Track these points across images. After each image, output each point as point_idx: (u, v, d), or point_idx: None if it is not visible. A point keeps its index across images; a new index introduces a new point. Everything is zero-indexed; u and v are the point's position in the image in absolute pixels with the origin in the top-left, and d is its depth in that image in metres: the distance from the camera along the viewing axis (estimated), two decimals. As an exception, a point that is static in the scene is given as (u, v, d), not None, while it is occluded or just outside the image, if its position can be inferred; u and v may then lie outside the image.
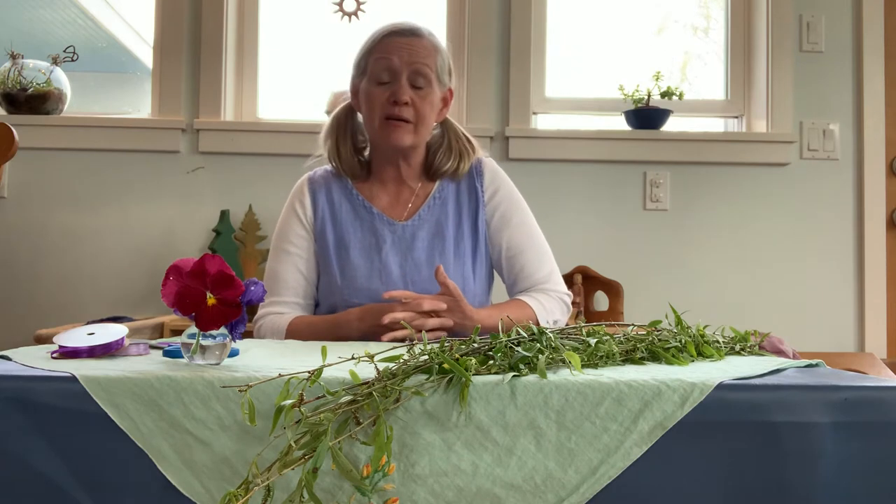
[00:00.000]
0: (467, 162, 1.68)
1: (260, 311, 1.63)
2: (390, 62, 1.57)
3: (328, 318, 1.58)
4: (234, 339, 0.95)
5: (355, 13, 2.69)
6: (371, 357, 0.84)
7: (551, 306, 1.63)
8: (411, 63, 1.58)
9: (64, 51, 2.63)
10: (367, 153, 1.71)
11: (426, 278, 1.58)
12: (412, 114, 1.58)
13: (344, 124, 1.69)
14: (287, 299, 1.62)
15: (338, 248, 1.63)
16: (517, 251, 1.66)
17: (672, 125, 2.64)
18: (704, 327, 1.15)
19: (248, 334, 1.59)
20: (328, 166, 1.71)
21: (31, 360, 0.95)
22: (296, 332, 1.57)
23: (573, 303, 2.47)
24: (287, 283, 1.63)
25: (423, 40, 1.61)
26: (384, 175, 1.68)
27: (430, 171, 1.68)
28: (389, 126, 1.58)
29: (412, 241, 1.62)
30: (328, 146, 1.68)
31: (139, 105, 2.77)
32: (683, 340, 1.07)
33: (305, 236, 1.65)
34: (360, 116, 1.69)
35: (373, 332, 1.47)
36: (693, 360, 1.05)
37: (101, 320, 2.25)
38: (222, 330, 0.93)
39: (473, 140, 1.71)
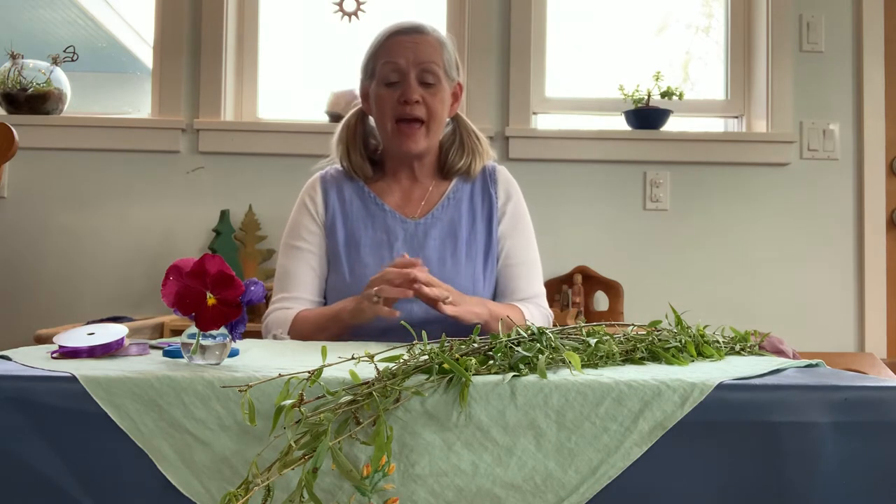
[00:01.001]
0: (479, 160, 1.67)
1: (270, 308, 1.63)
2: (397, 63, 1.57)
3: (330, 308, 1.56)
4: (234, 339, 0.95)
5: (355, 13, 2.69)
6: (371, 357, 0.84)
7: (535, 315, 1.61)
8: (418, 62, 1.57)
9: (64, 51, 2.63)
10: (379, 152, 1.70)
11: (436, 278, 1.57)
12: (424, 112, 1.57)
13: (354, 130, 1.68)
14: (298, 295, 1.61)
15: (348, 245, 1.62)
16: (512, 263, 1.65)
17: (672, 125, 2.64)
18: (704, 327, 1.15)
19: (249, 334, 1.59)
20: (340, 165, 1.71)
21: (31, 360, 0.95)
22: (301, 321, 1.56)
23: (573, 303, 2.48)
24: (298, 280, 1.62)
25: (428, 37, 1.61)
26: (398, 174, 1.68)
27: (443, 170, 1.68)
28: (401, 133, 1.58)
29: (424, 240, 1.61)
30: (339, 151, 1.68)
31: (139, 105, 2.77)
32: (683, 340, 1.07)
33: (317, 232, 1.65)
34: (371, 120, 1.68)
35: (358, 311, 1.44)
36: (693, 360, 1.05)
37: (101, 320, 2.25)
38: (222, 330, 0.93)
39: (485, 139, 1.71)
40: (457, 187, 1.67)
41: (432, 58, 1.59)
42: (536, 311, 1.63)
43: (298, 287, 1.62)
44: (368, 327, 1.55)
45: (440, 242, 1.61)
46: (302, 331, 1.55)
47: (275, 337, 1.58)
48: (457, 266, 1.59)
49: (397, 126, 1.58)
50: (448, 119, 1.70)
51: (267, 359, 1.04)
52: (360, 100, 1.69)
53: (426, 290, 1.38)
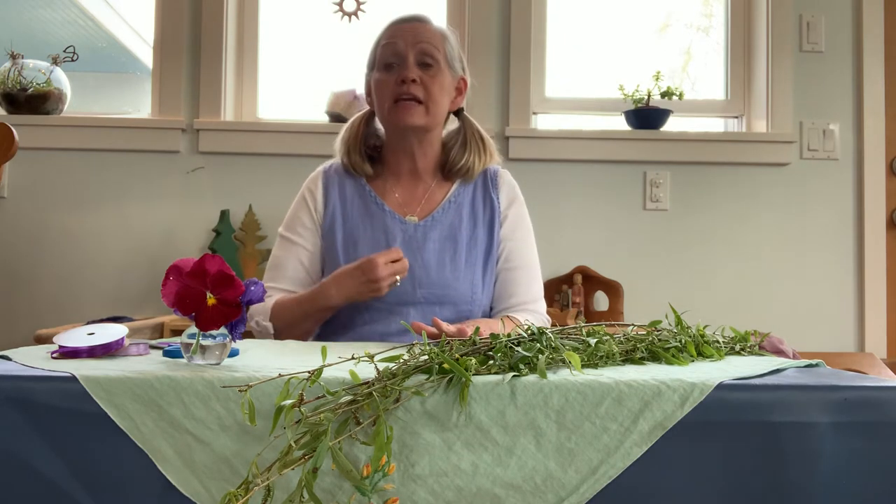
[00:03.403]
0: (480, 161, 1.66)
1: None
2: (396, 46, 1.58)
3: (308, 292, 1.56)
4: (234, 339, 0.95)
5: (355, 13, 2.69)
6: (371, 357, 0.84)
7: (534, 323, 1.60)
8: (417, 43, 1.58)
9: (64, 51, 2.63)
10: (381, 150, 1.69)
11: (434, 281, 1.57)
12: (422, 92, 1.56)
13: (357, 130, 1.68)
14: (284, 286, 1.62)
15: (346, 244, 1.62)
16: (512, 266, 1.64)
17: (672, 125, 2.64)
18: (704, 327, 1.15)
19: (249, 334, 1.59)
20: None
21: (31, 360, 0.95)
22: (280, 310, 1.56)
23: (573, 303, 2.48)
24: (286, 273, 1.63)
25: (429, 25, 1.62)
26: (399, 168, 1.66)
27: (444, 168, 1.67)
28: (399, 106, 1.57)
29: (423, 242, 1.60)
30: (341, 150, 1.68)
31: (139, 105, 2.77)
32: (683, 340, 1.07)
33: (312, 229, 1.65)
34: (376, 122, 1.68)
35: (357, 295, 1.48)
36: (693, 360, 1.05)
37: (101, 320, 2.25)
38: (222, 330, 0.93)
39: (490, 141, 1.70)
40: (458, 191, 1.66)
41: (431, 41, 1.59)
42: (534, 319, 1.62)
43: (286, 280, 1.63)
44: (368, 331, 1.56)
45: (439, 245, 1.60)
46: (282, 315, 1.56)
47: (257, 324, 1.59)
48: (456, 271, 1.58)
49: (395, 103, 1.57)
50: (453, 115, 1.69)
51: (267, 359, 1.04)
52: (363, 99, 1.69)
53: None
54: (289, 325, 1.55)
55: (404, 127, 1.59)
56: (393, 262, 1.48)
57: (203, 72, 2.58)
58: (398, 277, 1.49)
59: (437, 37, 1.61)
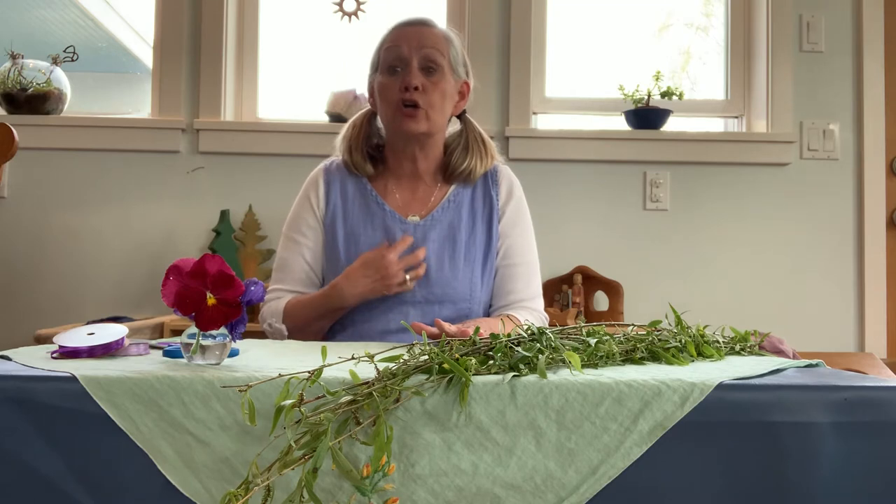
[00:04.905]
0: (481, 164, 1.66)
1: (266, 297, 1.64)
2: (400, 50, 1.58)
3: (320, 292, 1.58)
4: (234, 339, 0.95)
5: (355, 13, 2.69)
6: (371, 357, 0.84)
7: (531, 321, 1.60)
8: (421, 48, 1.57)
9: (64, 51, 2.63)
10: (383, 149, 1.70)
11: (434, 280, 1.57)
12: (424, 99, 1.57)
13: (359, 129, 1.68)
14: (292, 288, 1.63)
15: (347, 242, 1.62)
16: (511, 262, 1.64)
17: (672, 125, 2.64)
18: (704, 327, 1.15)
19: (249, 334, 1.59)
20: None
21: (31, 360, 0.95)
22: (292, 311, 1.58)
23: (573, 303, 2.48)
24: (293, 273, 1.64)
25: (434, 29, 1.62)
26: (400, 170, 1.67)
27: (446, 171, 1.67)
28: (402, 114, 1.57)
29: (423, 242, 1.60)
30: (342, 148, 1.68)
31: (139, 105, 2.77)
32: (683, 340, 1.07)
33: (315, 227, 1.65)
34: (378, 121, 1.68)
35: (371, 293, 1.51)
36: (693, 360, 1.05)
37: (101, 320, 2.25)
38: (222, 330, 0.93)
39: (491, 144, 1.71)
40: (457, 191, 1.66)
41: (436, 46, 1.59)
42: (532, 317, 1.62)
43: (294, 281, 1.64)
44: (368, 329, 1.56)
45: (438, 245, 1.60)
46: (295, 316, 1.58)
47: (270, 326, 1.60)
48: (454, 269, 1.58)
49: (398, 110, 1.58)
50: (456, 118, 1.70)
51: (267, 359, 1.04)
52: (363, 99, 1.69)
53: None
54: (302, 325, 1.57)
55: (407, 134, 1.59)
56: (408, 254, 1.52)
57: (203, 72, 2.58)
58: (408, 277, 1.52)
59: (442, 41, 1.60)
